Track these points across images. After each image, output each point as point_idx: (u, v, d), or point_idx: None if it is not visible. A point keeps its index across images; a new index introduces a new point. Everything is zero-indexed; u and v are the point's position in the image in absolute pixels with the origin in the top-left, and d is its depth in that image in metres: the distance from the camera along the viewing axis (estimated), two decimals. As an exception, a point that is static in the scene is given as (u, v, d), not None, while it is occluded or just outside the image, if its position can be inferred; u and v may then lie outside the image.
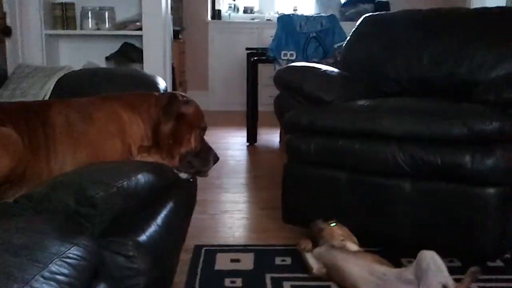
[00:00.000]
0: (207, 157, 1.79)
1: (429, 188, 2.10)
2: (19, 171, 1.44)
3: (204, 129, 1.81)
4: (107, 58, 3.84)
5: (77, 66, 3.03)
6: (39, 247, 0.95)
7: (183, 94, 1.81)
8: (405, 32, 2.80)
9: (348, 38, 3.04)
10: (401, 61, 2.72)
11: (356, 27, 3.02)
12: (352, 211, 2.23)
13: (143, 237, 1.28)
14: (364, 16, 3.06)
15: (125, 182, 1.30)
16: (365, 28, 2.97)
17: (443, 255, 2.19)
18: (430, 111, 2.13)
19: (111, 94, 1.77)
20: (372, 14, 3.11)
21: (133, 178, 1.36)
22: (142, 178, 1.40)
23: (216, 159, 1.82)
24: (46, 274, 0.88)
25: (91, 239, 1.10)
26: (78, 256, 0.99)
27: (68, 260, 0.96)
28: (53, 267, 0.91)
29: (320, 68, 2.67)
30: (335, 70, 2.75)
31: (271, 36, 4.56)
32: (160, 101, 1.71)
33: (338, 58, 4.01)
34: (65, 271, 0.92)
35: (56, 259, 0.93)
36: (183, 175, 1.77)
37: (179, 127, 1.70)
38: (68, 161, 1.53)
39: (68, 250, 0.98)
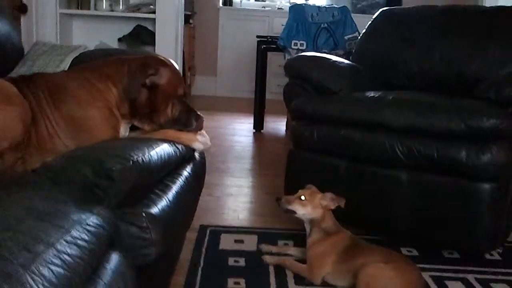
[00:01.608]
0: (188, 121, 1.73)
1: (425, 180, 2.15)
2: (26, 136, 1.49)
3: (182, 96, 1.74)
4: (119, 40, 3.89)
5: (89, 46, 3.07)
6: (61, 214, 1.01)
7: (159, 58, 1.75)
8: (419, 28, 2.85)
9: (364, 30, 3.10)
10: (413, 56, 2.78)
11: (372, 20, 3.08)
12: (352, 199, 2.28)
13: (155, 210, 1.33)
14: (381, 10, 3.11)
15: (140, 157, 1.35)
16: (381, 22, 3.03)
17: (440, 246, 2.27)
18: (430, 105, 2.18)
19: (86, 64, 1.76)
20: (389, 8, 3.16)
21: (147, 153, 1.40)
22: (155, 154, 1.45)
23: (198, 117, 1.75)
24: (69, 238, 0.93)
25: (108, 210, 1.16)
26: (97, 224, 1.05)
27: (88, 228, 1.01)
28: (75, 233, 0.96)
29: (330, 59, 2.71)
30: (345, 61, 2.80)
31: (282, 25, 4.59)
32: (130, 69, 1.66)
33: (348, 50, 4.06)
34: (85, 237, 0.98)
35: (77, 226, 0.99)
36: (199, 146, 1.79)
37: (153, 97, 1.66)
38: (61, 130, 1.57)
39: (88, 218, 1.04)
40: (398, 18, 3.01)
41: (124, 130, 1.72)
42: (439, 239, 2.21)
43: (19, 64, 2.39)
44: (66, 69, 2.27)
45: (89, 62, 1.79)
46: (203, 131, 1.81)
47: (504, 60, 2.52)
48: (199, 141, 1.78)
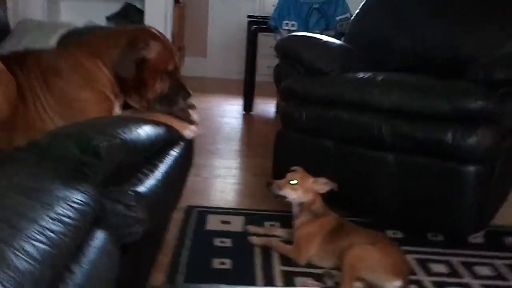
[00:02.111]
0: (174, 99, 1.71)
1: (411, 162, 2.16)
2: (12, 114, 1.47)
3: (173, 72, 1.70)
4: (107, 18, 3.83)
5: (78, 25, 3.03)
6: (46, 190, 1.00)
7: (150, 30, 1.70)
8: (413, 8, 2.83)
9: (357, 11, 3.07)
10: (407, 37, 2.75)
11: (364, 1, 3.05)
12: (339, 180, 2.29)
13: (142, 188, 1.32)
14: (374, -10, 3.07)
15: (127, 135, 1.33)
16: (374, 2, 3.00)
17: (425, 229, 2.29)
18: (417, 86, 2.18)
19: (76, 40, 1.72)
20: (382, -12, 3.12)
21: (135, 132, 1.39)
22: (143, 133, 1.44)
23: (187, 96, 1.73)
24: (53, 215, 0.92)
25: (94, 187, 1.15)
26: (82, 201, 1.04)
27: (73, 205, 1.00)
28: (59, 209, 0.95)
29: (321, 39, 2.70)
30: (337, 41, 2.78)
31: (273, 5, 4.54)
32: (120, 43, 1.62)
33: (340, 31, 4.03)
34: (70, 213, 0.97)
35: (62, 203, 0.98)
36: (189, 134, 1.78)
37: (141, 71, 1.63)
38: (53, 110, 1.56)
39: (73, 195, 1.03)
40: (392, -1, 2.98)
41: (117, 110, 1.70)
42: (425, 221, 2.23)
43: (5, 41, 2.35)
44: (53, 46, 2.24)
45: (79, 38, 1.75)
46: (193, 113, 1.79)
47: (499, 41, 2.49)
48: (190, 129, 1.76)
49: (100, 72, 1.63)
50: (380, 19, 2.90)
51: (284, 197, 1.99)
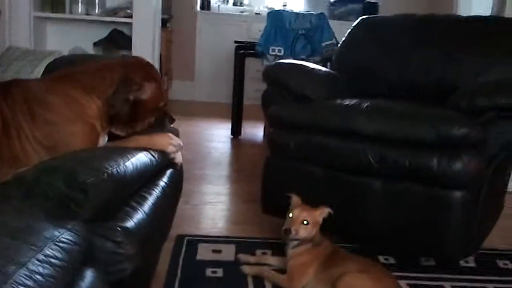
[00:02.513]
0: (162, 125, 1.77)
1: (398, 188, 2.16)
2: None
3: (162, 108, 1.75)
4: (95, 44, 3.83)
5: (64, 50, 3.02)
6: (33, 231, 0.98)
7: (144, 69, 1.72)
8: (397, 36, 2.88)
9: (343, 39, 3.11)
10: (392, 64, 2.80)
11: (351, 28, 3.10)
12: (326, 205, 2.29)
13: (131, 224, 1.30)
14: (360, 18, 3.12)
15: (115, 169, 1.31)
16: (359, 30, 3.05)
17: (414, 254, 2.28)
18: (401, 114, 2.20)
19: (66, 72, 1.71)
20: (368, 17, 3.19)
21: (122, 165, 1.37)
22: (131, 165, 1.42)
23: (171, 122, 1.80)
24: (41, 257, 0.90)
25: (82, 224, 1.13)
26: (70, 240, 1.02)
27: (61, 245, 0.98)
28: (48, 251, 0.93)
29: (308, 66, 2.72)
30: (323, 68, 2.81)
31: (260, 30, 4.59)
32: (114, 80, 1.63)
33: (325, 56, 4.08)
34: (58, 255, 0.95)
35: (50, 243, 0.96)
36: (178, 160, 1.77)
37: (134, 110, 1.66)
38: (38, 144, 1.53)
39: (61, 234, 1.01)
40: (377, 27, 3.03)
41: (102, 141, 1.69)
42: (413, 247, 2.22)
43: (-9, 69, 2.33)
44: (40, 75, 2.23)
45: (69, 70, 1.73)
46: (170, 134, 1.79)
47: (480, 68, 2.54)
48: (172, 144, 1.75)
49: (93, 105, 1.62)
50: (365, 47, 2.94)
51: (298, 239, 1.96)
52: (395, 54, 2.81)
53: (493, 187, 2.24)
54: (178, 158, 1.80)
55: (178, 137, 1.85)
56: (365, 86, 2.80)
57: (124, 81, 1.64)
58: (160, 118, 1.76)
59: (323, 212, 1.97)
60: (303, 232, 1.93)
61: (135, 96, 1.65)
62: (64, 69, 1.80)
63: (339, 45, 3.18)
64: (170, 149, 1.74)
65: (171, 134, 1.78)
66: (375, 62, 2.85)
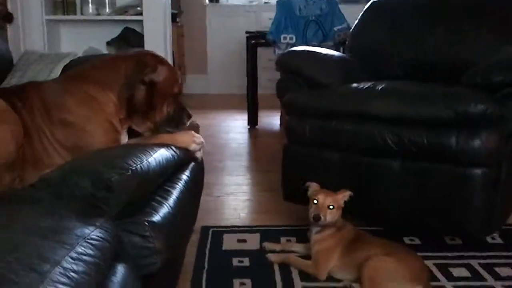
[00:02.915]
0: (181, 120, 1.76)
1: (417, 167, 2.15)
2: (20, 153, 1.47)
3: (178, 94, 1.75)
4: (108, 43, 3.85)
5: (78, 52, 3.05)
6: (64, 230, 1.00)
7: (155, 55, 1.74)
8: (410, 17, 2.84)
9: (355, 23, 3.09)
10: (405, 45, 2.77)
11: (362, 12, 3.07)
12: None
13: (157, 218, 1.32)
14: (371, 1, 3.09)
15: (139, 165, 1.33)
16: (371, 13, 3.02)
17: (440, 233, 2.27)
18: (417, 94, 2.19)
19: (79, 71, 1.73)
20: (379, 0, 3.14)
21: (145, 161, 1.39)
22: (153, 161, 1.44)
23: (189, 117, 1.78)
24: (74, 255, 0.92)
25: (110, 221, 1.15)
26: (100, 238, 1.04)
27: (92, 242, 1.01)
28: (80, 249, 0.95)
29: (320, 52, 2.71)
30: (336, 53, 2.80)
31: (270, 19, 4.57)
32: (128, 67, 1.65)
33: (338, 41, 4.05)
34: (90, 252, 0.97)
35: (81, 241, 0.98)
36: (199, 154, 1.79)
37: (150, 95, 1.66)
38: (59, 145, 1.56)
39: (92, 232, 1.03)
40: (388, 8, 2.99)
41: (123, 138, 1.71)
42: (436, 226, 2.21)
43: (9, 75, 2.37)
44: (58, 76, 2.25)
45: (82, 68, 1.75)
46: (193, 132, 1.80)
47: (496, 46, 2.51)
48: (195, 142, 1.77)
49: (109, 102, 1.63)
50: (378, 29, 2.91)
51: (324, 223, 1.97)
52: (408, 35, 2.78)
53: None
54: (199, 153, 1.82)
55: (199, 132, 1.86)
56: (380, 69, 2.77)
57: (137, 64, 1.64)
58: (178, 115, 1.76)
59: (344, 195, 1.97)
60: (330, 216, 1.94)
61: (149, 78, 1.64)
62: (75, 68, 1.82)
63: (351, 29, 3.15)
64: (193, 147, 1.76)
65: (193, 132, 1.79)
66: (388, 44, 2.82)
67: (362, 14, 3.06)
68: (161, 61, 1.71)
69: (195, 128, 1.88)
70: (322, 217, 1.92)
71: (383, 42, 2.85)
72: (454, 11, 2.75)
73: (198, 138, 1.78)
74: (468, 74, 2.25)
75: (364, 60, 2.80)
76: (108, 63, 1.72)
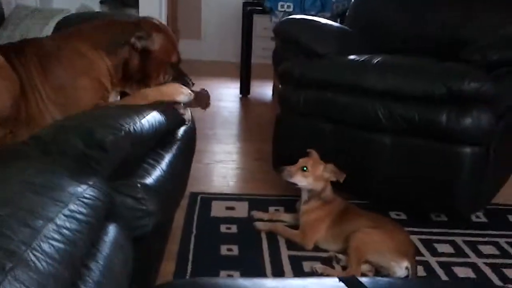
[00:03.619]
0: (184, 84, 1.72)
1: (407, 143, 2.16)
2: (15, 110, 1.45)
3: (176, 63, 1.72)
4: (101, 2, 3.78)
5: (70, 9, 2.97)
6: (57, 187, 0.99)
7: (153, 22, 1.70)
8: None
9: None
10: (406, 19, 2.75)
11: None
12: (337, 162, 2.29)
13: (150, 180, 1.31)
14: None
15: (132, 126, 1.31)
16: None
17: (424, 210, 2.30)
18: (412, 68, 2.18)
19: (74, 29, 1.71)
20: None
21: (138, 122, 1.37)
22: (146, 123, 1.42)
23: (191, 85, 1.74)
24: (67, 212, 0.91)
25: (103, 181, 1.14)
26: (93, 196, 1.03)
27: (85, 200, 0.99)
28: (72, 206, 0.94)
29: (318, 21, 2.67)
30: (335, 24, 2.76)
31: (268, -14, 4.48)
32: (124, 31, 1.62)
33: (336, 13, 4.00)
34: (83, 210, 0.96)
35: (74, 199, 0.97)
36: (187, 117, 1.76)
37: (145, 63, 1.63)
38: (50, 102, 1.54)
39: (85, 190, 1.02)
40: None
41: (113, 99, 1.68)
42: (423, 202, 2.24)
43: (0, 28, 2.31)
44: (50, 33, 2.21)
45: (79, 27, 1.72)
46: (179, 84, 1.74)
47: (497, 23, 2.50)
48: (183, 92, 1.69)
49: (101, 61, 1.61)
50: (379, 2, 2.88)
51: (294, 184, 1.98)
52: (409, 8, 2.76)
53: (505, 143, 2.23)
54: (187, 115, 1.78)
55: (209, 101, 1.82)
56: (379, 41, 2.75)
57: (130, 26, 1.62)
58: (178, 79, 1.72)
59: (329, 169, 1.97)
60: (299, 178, 1.95)
61: (143, 45, 1.62)
62: (75, 26, 1.79)
63: (352, 0, 3.11)
64: (181, 98, 1.68)
65: (179, 85, 1.73)
66: (389, 17, 2.80)
67: (364, -15, 3.01)
68: (157, 28, 1.67)
69: (206, 97, 1.83)
70: (285, 172, 1.94)
71: (383, 15, 2.82)
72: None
73: (186, 89, 1.74)
74: (467, 51, 2.24)
75: (364, 32, 2.78)
76: (106, 25, 1.69)
